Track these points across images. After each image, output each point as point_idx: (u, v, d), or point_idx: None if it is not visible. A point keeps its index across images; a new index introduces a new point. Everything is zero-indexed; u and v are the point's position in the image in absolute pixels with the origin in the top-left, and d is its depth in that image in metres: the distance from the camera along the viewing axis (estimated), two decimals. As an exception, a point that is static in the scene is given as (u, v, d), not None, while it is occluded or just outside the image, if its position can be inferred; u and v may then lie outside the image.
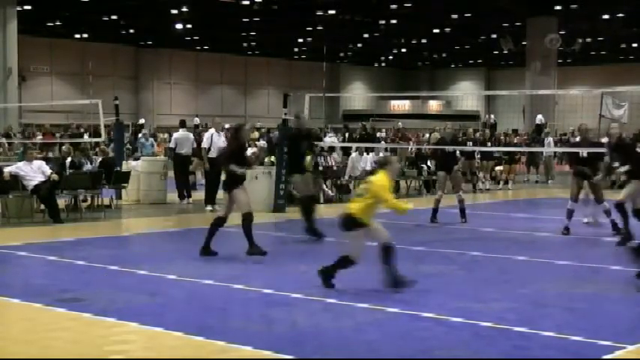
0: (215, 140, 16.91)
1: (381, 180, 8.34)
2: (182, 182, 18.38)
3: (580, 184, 13.20)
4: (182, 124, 19.19)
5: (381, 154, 21.11)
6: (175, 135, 18.80)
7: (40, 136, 28.77)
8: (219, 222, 10.88)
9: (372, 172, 8.75)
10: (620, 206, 11.83)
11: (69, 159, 16.49)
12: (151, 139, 26.39)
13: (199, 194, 18.86)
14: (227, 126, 28.13)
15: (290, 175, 13.84)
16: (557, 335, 6.71)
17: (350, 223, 8.37)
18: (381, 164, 8.67)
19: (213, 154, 16.79)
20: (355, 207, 8.34)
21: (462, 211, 14.57)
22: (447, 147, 15.20)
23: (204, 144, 17.05)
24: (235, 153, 10.94)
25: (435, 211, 14.66)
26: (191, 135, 19.40)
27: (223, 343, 6.39)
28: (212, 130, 17.40)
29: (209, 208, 16.61)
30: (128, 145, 27.95)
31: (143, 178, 18.10)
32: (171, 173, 18.80)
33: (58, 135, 31.63)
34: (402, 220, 15.13)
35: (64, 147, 18.05)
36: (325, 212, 15.88)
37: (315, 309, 7.64)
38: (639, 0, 32.79)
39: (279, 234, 13.73)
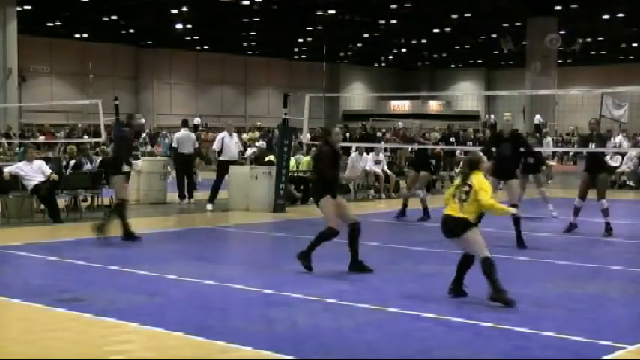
0: (227, 142, 16.97)
1: (482, 183, 8.03)
2: (184, 182, 18.36)
3: (589, 182, 13.34)
4: (184, 124, 19.21)
5: (381, 155, 21.15)
6: (177, 135, 18.85)
7: (43, 137, 28.79)
8: (332, 234, 9.59)
9: (465, 174, 8.21)
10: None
11: (72, 161, 16.42)
12: (168, 138, 26.56)
13: (199, 194, 18.86)
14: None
15: (111, 175, 12.57)
16: (557, 335, 6.71)
17: (463, 227, 7.97)
18: (473, 164, 8.21)
19: (224, 156, 16.88)
20: (464, 213, 7.95)
21: (424, 209, 15.21)
22: (414, 146, 15.74)
23: (215, 146, 17.17)
24: (331, 162, 9.64)
25: (404, 207, 15.41)
26: (192, 135, 19.45)
27: (223, 343, 6.38)
28: (224, 133, 17.43)
29: (209, 207, 16.67)
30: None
31: (143, 178, 18.10)
32: (173, 173, 18.84)
33: (59, 135, 31.65)
34: (401, 220, 15.17)
35: (68, 148, 18.06)
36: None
37: (315, 309, 7.64)
38: (639, 0, 32.78)
39: (279, 234, 13.72)
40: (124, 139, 12.82)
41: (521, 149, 12.35)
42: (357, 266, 9.59)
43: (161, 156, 25.09)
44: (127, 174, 12.71)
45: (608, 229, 13.28)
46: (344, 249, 11.79)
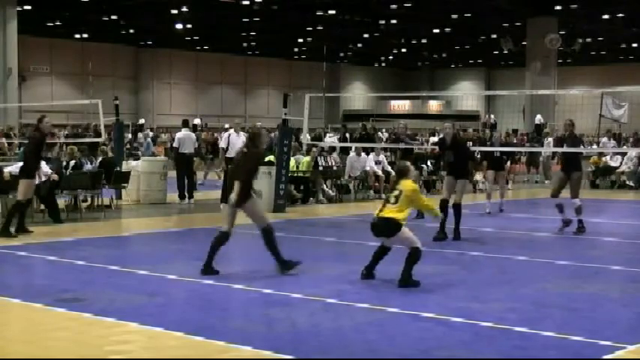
0: (233, 141, 17.04)
1: (412, 186, 9.20)
2: (184, 182, 18.35)
3: (563, 181, 13.56)
4: (185, 124, 19.22)
5: (381, 155, 21.15)
6: (178, 135, 18.88)
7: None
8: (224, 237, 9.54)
9: (395, 181, 9.43)
10: (456, 207, 12.64)
11: (72, 161, 16.41)
12: (149, 139, 26.51)
13: (199, 194, 18.87)
14: (227, 126, 28.19)
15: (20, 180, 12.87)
16: (557, 335, 6.71)
17: (395, 228, 8.90)
18: (402, 173, 9.34)
19: (230, 154, 16.92)
20: (395, 213, 8.92)
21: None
22: (401, 145, 16.15)
23: (222, 144, 17.28)
24: (258, 165, 9.91)
25: None
26: (193, 135, 19.50)
27: (223, 343, 6.38)
28: (230, 131, 17.53)
29: (223, 207, 16.69)
30: (128, 145, 27.97)
31: (143, 178, 18.10)
32: (173, 173, 18.84)
33: (62, 133, 31.64)
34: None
35: (68, 148, 18.06)
36: (328, 212, 15.93)
37: (315, 309, 7.64)
38: (639, 0, 32.78)
39: (278, 234, 13.61)
40: (31, 144, 13.22)
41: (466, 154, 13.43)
42: (284, 265, 9.42)
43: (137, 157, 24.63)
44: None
45: (580, 227, 13.41)
46: (343, 249, 11.82)
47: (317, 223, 15.31)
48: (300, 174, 19.01)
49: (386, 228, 8.94)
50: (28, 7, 36.04)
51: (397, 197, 8.99)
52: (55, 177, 14.36)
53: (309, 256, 11.02)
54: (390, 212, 8.92)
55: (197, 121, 37.24)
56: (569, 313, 7.69)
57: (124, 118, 22.12)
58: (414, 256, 8.85)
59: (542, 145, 26.82)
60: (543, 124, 33.76)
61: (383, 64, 64.98)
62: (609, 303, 8.17)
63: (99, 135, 19.13)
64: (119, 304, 7.76)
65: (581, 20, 40.35)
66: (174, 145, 18.95)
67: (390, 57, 61.21)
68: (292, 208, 17.05)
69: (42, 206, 14.83)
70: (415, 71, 65.55)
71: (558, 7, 37.05)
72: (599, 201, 19.54)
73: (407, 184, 9.12)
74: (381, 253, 9.15)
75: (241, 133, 17.83)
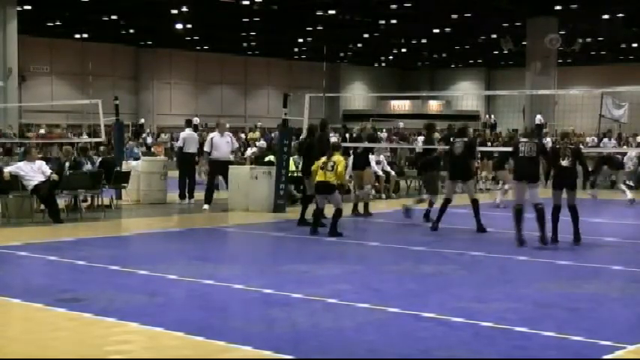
0: (217, 142, 16.89)
1: (341, 160, 12.65)
2: (185, 182, 18.33)
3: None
4: (188, 124, 19.25)
5: (382, 156, 21.14)
6: (182, 134, 18.92)
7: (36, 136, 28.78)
8: None
9: (330, 154, 12.80)
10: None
11: (67, 162, 16.38)
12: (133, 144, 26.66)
13: (199, 194, 18.87)
14: (227, 125, 28.19)
15: None
16: (557, 335, 6.71)
17: (332, 188, 12.60)
18: (335, 147, 13.10)
19: (215, 155, 16.83)
20: (332, 178, 12.55)
21: (365, 204, 15.96)
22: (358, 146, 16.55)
23: (206, 147, 17.11)
24: None
25: (355, 205, 16.07)
26: (196, 134, 19.58)
27: (223, 343, 6.38)
28: (215, 132, 17.41)
29: (206, 207, 16.63)
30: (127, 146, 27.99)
31: (143, 178, 18.10)
32: (173, 173, 18.86)
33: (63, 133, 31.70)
34: (401, 220, 15.17)
35: (64, 148, 18.08)
36: (327, 212, 15.86)
37: (315, 309, 7.64)
38: (639, 0, 32.76)
39: (279, 234, 13.71)
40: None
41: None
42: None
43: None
44: None
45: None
46: (344, 249, 11.82)
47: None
48: (301, 174, 18.99)
49: (328, 188, 12.57)
50: (28, 7, 36.01)
51: (333, 167, 12.50)
52: (55, 177, 14.36)
53: (309, 256, 11.03)
54: (329, 178, 12.51)
55: (196, 120, 37.18)
56: (570, 313, 7.69)
57: (124, 118, 22.13)
58: (339, 214, 12.65)
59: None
60: (543, 124, 33.73)
61: (383, 64, 64.94)
62: (609, 303, 8.17)
63: (97, 135, 19.16)
64: (119, 304, 7.75)
65: (581, 20, 40.31)
66: (179, 144, 18.96)
67: (390, 57, 61.15)
68: (292, 208, 17.03)
69: (42, 206, 14.83)
70: (415, 71, 65.50)
71: (558, 7, 37.00)
72: (599, 201, 19.55)
73: (338, 158, 12.62)
74: (321, 212, 12.99)
75: (227, 134, 17.56)
